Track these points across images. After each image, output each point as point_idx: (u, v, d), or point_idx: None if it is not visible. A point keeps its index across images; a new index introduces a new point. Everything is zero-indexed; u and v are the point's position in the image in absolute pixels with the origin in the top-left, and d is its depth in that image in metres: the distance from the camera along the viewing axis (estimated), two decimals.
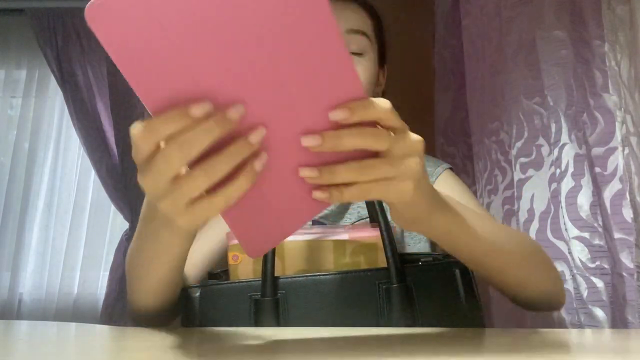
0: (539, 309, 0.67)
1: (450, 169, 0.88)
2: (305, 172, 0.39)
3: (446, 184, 0.83)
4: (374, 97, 0.41)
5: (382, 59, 0.85)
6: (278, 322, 0.53)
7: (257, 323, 0.54)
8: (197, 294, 0.56)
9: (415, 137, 0.41)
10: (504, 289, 0.62)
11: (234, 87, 0.36)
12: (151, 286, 0.55)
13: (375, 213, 0.56)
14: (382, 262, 0.60)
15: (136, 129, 0.36)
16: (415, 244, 0.85)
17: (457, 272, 0.58)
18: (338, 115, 0.38)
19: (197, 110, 0.35)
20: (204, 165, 0.36)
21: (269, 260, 0.54)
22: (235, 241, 0.60)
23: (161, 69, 0.34)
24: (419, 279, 0.56)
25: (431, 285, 0.57)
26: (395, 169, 0.39)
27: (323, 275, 0.56)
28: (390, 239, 0.55)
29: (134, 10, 0.31)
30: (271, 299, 0.53)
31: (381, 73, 0.88)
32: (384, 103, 0.39)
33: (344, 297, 0.54)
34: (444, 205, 0.49)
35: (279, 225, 0.42)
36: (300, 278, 0.55)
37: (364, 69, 0.76)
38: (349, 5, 0.79)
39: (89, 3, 0.31)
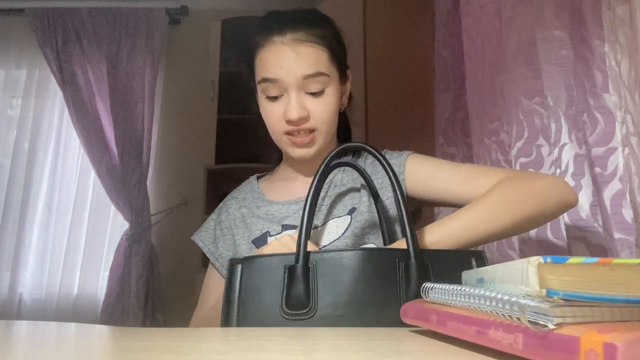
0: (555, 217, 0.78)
1: (412, 153, 0.87)
2: None
3: (415, 167, 0.83)
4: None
5: (342, 72, 0.85)
6: (308, 288, 0.59)
7: (289, 287, 0.60)
8: (240, 265, 0.63)
9: None
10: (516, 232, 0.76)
11: None
12: None
13: (397, 202, 0.66)
14: None
15: None
16: None
17: (473, 261, 0.63)
18: None
19: None
20: None
21: (303, 234, 0.61)
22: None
23: None
24: (435, 260, 0.62)
25: (446, 265, 0.62)
26: None
27: (350, 250, 0.64)
28: (409, 223, 0.62)
29: None
30: (303, 265, 0.60)
31: (343, 85, 0.87)
32: None
33: (367, 269, 0.60)
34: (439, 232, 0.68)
35: None
36: (330, 252, 0.62)
37: (323, 104, 0.79)
38: (302, 47, 0.77)
39: None
